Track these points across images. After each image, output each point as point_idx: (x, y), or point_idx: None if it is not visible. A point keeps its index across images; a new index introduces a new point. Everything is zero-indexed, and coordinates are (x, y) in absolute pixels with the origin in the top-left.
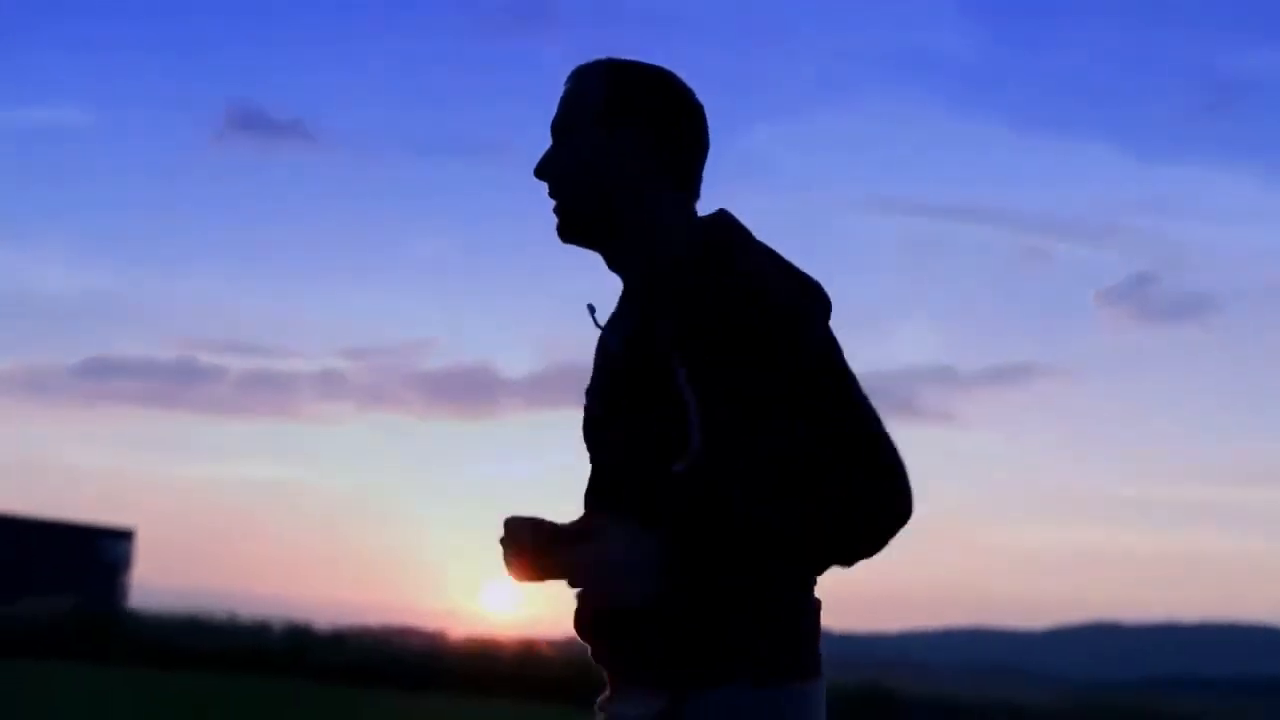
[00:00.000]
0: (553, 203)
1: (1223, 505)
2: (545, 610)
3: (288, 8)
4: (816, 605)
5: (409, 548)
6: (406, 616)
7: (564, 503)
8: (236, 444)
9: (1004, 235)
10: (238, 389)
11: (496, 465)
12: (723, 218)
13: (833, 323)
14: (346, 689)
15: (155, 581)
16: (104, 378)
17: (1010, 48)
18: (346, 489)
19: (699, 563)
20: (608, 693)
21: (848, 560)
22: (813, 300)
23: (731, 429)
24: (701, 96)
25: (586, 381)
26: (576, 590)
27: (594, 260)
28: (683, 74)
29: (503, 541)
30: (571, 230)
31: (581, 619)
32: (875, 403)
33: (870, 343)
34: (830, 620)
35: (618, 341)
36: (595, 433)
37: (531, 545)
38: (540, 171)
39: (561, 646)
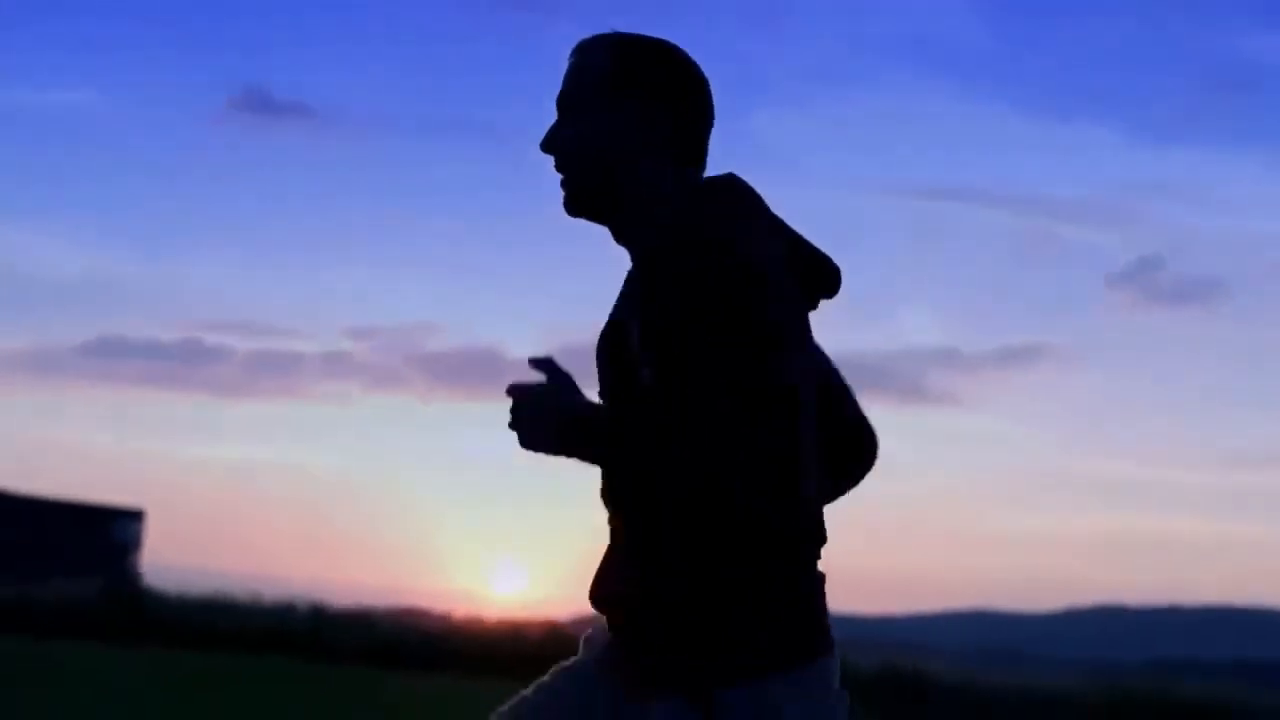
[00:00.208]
0: (559, 176)
1: (1229, 488)
2: (559, 590)
3: None
4: (821, 579)
5: (413, 528)
6: (412, 598)
7: (572, 483)
8: (241, 424)
9: (1011, 218)
10: (243, 370)
11: (503, 446)
12: (721, 182)
13: (839, 304)
14: (366, 670)
15: (163, 561)
16: (109, 358)
17: (1018, 30)
18: (350, 469)
19: (703, 556)
20: (603, 636)
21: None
22: (783, 269)
23: (732, 421)
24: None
25: (593, 365)
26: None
27: (600, 237)
28: None
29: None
30: (578, 204)
31: (600, 592)
32: (883, 385)
33: (876, 325)
34: (836, 603)
35: (616, 311)
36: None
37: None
38: (546, 145)
39: (580, 626)
